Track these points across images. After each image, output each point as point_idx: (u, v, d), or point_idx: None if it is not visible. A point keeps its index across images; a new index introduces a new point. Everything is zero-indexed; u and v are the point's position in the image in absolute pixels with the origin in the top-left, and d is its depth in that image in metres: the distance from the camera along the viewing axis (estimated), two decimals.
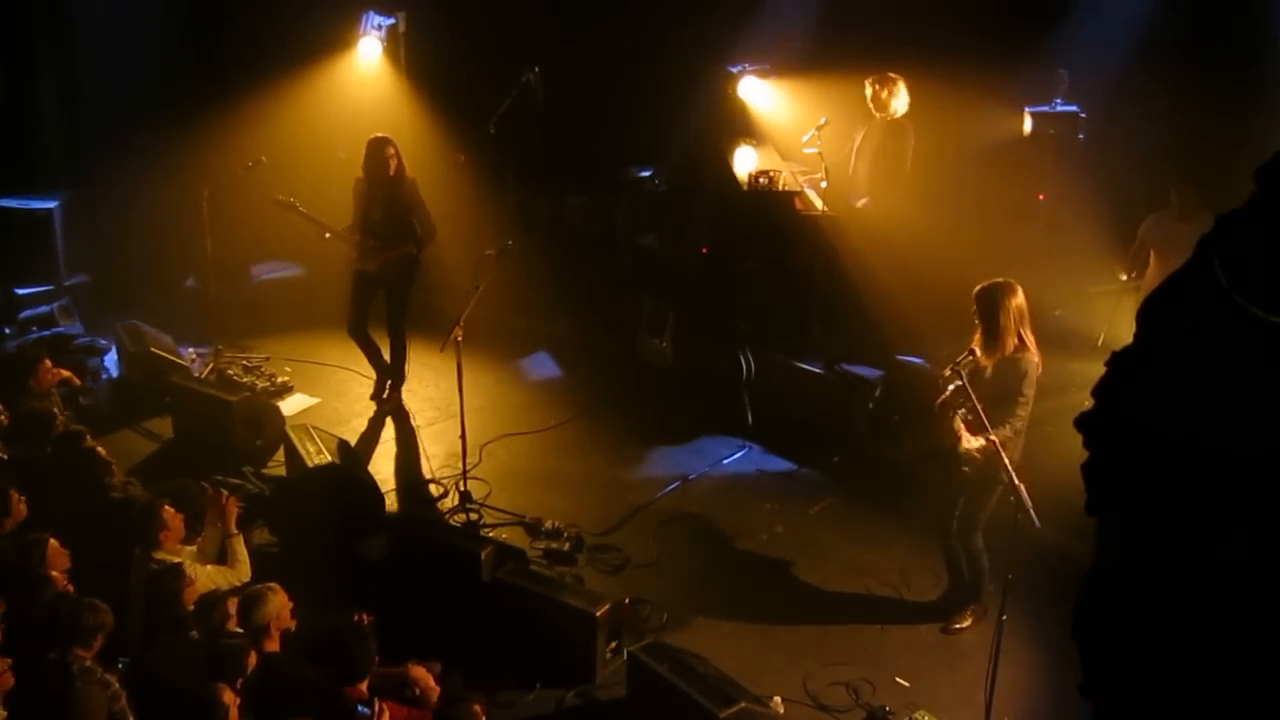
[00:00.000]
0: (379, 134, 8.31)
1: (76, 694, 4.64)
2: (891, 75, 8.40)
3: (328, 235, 8.36)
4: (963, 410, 5.74)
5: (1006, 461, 5.29)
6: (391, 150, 8.19)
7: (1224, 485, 2.27)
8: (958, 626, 6.30)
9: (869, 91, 8.45)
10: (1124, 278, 8.24)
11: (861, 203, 8.67)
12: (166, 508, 5.92)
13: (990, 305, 5.68)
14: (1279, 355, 2.19)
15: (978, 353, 5.66)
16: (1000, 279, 5.75)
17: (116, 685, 4.77)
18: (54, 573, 5.46)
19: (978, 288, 5.75)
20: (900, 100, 8.40)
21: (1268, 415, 2.22)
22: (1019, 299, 5.70)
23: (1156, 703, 2.40)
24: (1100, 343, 8.15)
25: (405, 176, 8.30)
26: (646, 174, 10.61)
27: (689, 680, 5.34)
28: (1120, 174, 8.81)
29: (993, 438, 5.43)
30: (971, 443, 5.68)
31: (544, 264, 9.94)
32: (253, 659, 5.05)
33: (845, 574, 6.95)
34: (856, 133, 8.76)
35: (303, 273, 10.69)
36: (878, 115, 8.52)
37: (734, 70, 9.58)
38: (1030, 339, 5.76)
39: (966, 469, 5.87)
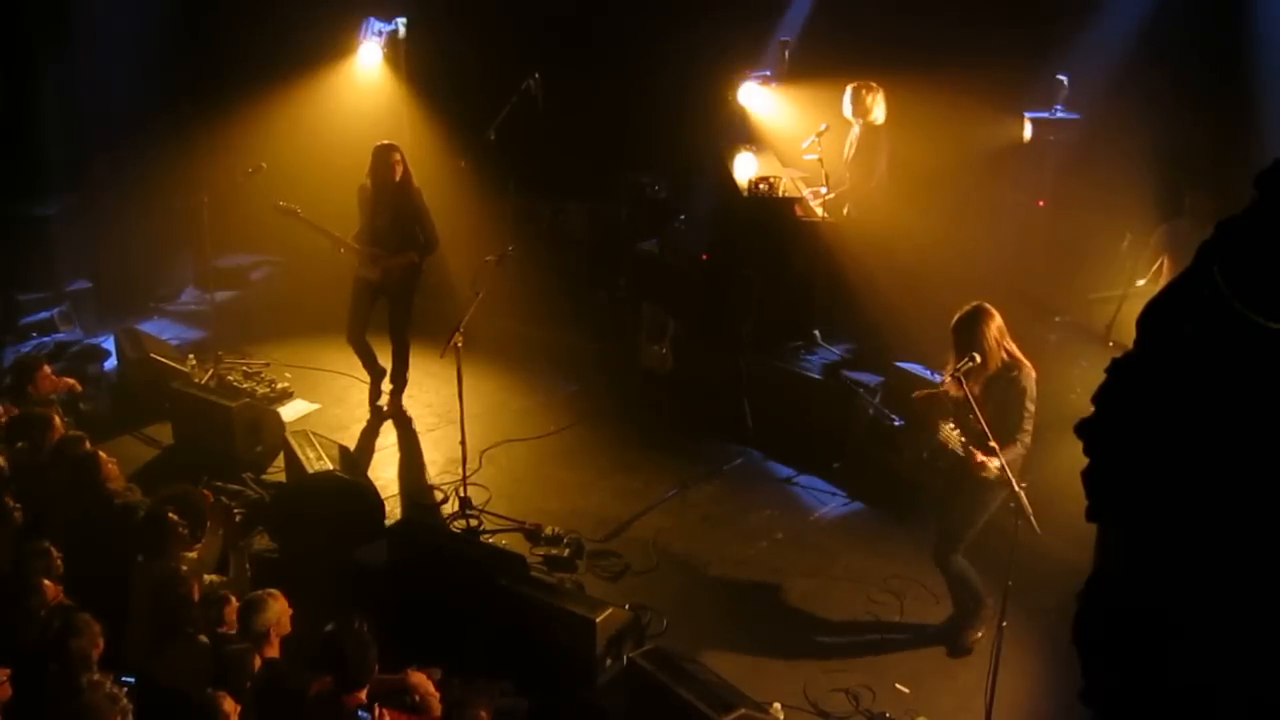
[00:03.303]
0: (385, 141, 8.30)
1: (85, 707, 4.62)
2: (873, 84, 8.51)
3: (342, 249, 8.36)
4: (952, 426, 5.74)
5: (1011, 476, 5.30)
6: (398, 157, 8.19)
7: (1225, 491, 2.27)
8: (966, 643, 6.24)
9: (849, 94, 8.55)
10: (1139, 281, 8.23)
11: (846, 210, 8.74)
12: (171, 515, 5.90)
13: (970, 333, 5.64)
14: (1277, 362, 2.19)
15: (978, 359, 5.63)
16: (972, 305, 5.71)
17: (125, 700, 4.75)
18: (46, 581, 5.43)
19: (955, 319, 5.69)
20: (880, 109, 8.51)
21: (1268, 421, 2.22)
22: (996, 320, 5.67)
23: (1158, 710, 2.40)
24: (1111, 344, 8.12)
25: (411, 184, 8.30)
26: (647, 180, 10.61)
27: (689, 686, 5.33)
28: (1121, 180, 8.81)
29: (1000, 462, 5.41)
30: (991, 465, 5.58)
31: (544, 270, 9.95)
32: (256, 664, 5.05)
33: (845, 580, 6.94)
34: (847, 140, 8.87)
35: (282, 264, 10.67)
36: (856, 120, 8.63)
37: (734, 76, 9.61)
38: (1018, 353, 5.76)
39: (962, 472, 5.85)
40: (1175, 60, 8.74)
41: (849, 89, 8.63)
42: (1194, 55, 8.71)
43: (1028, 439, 5.74)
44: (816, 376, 8.57)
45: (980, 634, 6.24)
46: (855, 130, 8.78)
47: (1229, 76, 8.62)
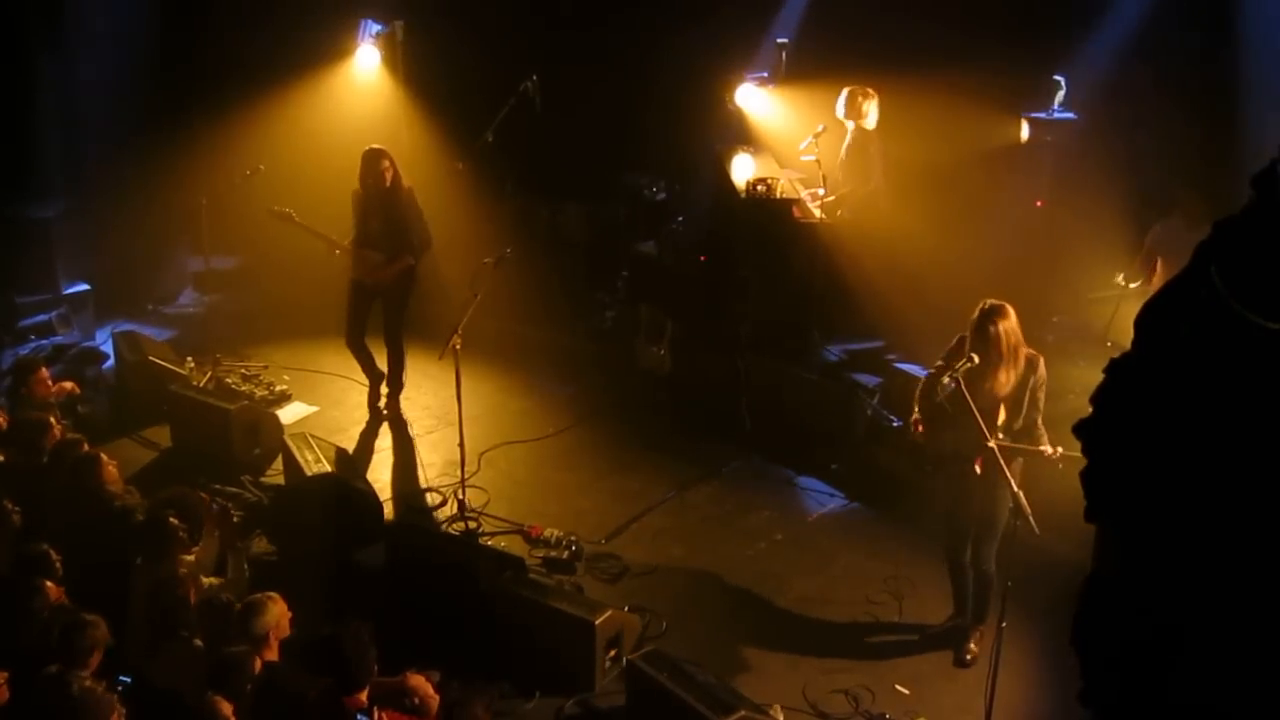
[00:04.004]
0: (374, 145, 8.30)
1: (77, 711, 4.61)
2: (869, 89, 8.57)
3: (338, 252, 8.36)
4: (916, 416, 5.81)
5: (1010, 477, 5.30)
6: (387, 162, 8.19)
7: (1223, 491, 2.27)
8: (969, 657, 6.23)
9: (844, 96, 8.58)
10: (1131, 284, 8.23)
11: (841, 212, 8.75)
12: (172, 520, 5.89)
13: (985, 331, 5.62)
14: (1276, 361, 2.19)
15: (975, 360, 5.62)
16: (987, 303, 5.68)
17: (118, 704, 4.75)
18: (48, 583, 5.43)
19: (973, 317, 5.66)
20: (873, 114, 8.57)
21: (1265, 422, 2.22)
22: (1012, 317, 5.67)
23: (1156, 711, 2.40)
24: (1109, 344, 8.13)
25: (401, 187, 8.30)
26: (644, 181, 10.62)
27: (688, 688, 5.32)
28: (1118, 180, 8.82)
29: (1047, 449, 5.59)
30: (1053, 452, 5.65)
31: (542, 272, 9.94)
32: (256, 667, 5.05)
33: (844, 581, 6.94)
34: (843, 144, 8.89)
35: (280, 266, 10.66)
36: (848, 122, 8.65)
37: (732, 78, 9.62)
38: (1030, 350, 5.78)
39: (975, 469, 5.84)
40: (1168, 63, 8.77)
41: (844, 91, 8.65)
42: (1186, 58, 8.73)
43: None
44: (815, 377, 8.57)
45: (978, 647, 6.23)
46: (849, 132, 8.79)
47: (1220, 79, 8.64)
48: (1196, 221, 7.82)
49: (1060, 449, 5.62)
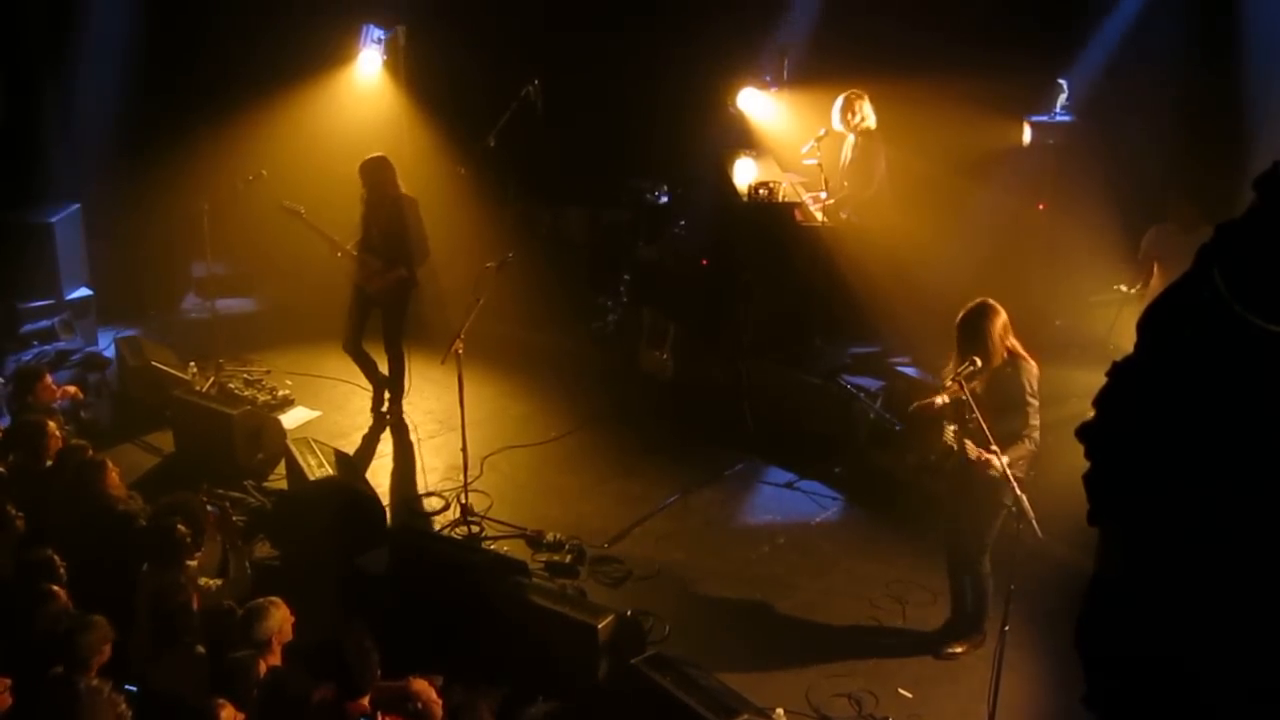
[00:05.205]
0: (376, 154, 8.30)
1: (83, 712, 4.61)
2: (857, 91, 8.59)
3: (339, 254, 8.36)
4: (954, 428, 5.69)
5: (1012, 478, 5.27)
6: (388, 170, 8.19)
7: (1226, 494, 2.27)
8: (950, 651, 6.22)
9: (839, 106, 8.60)
10: (1126, 289, 8.24)
11: (845, 215, 8.77)
12: (180, 527, 5.88)
13: (974, 330, 5.58)
14: (1277, 364, 2.19)
15: (978, 363, 5.60)
16: (977, 302, 5.64)
17: (124, 706, 4.75)
18: (55, 587, 5.44)
19: (960, 317, 5.62)
20: (871, 115, 8.59)
21: (1268, 425, 2.22)
22: (1002, 317, 5.60)
23: (1159, 714, 2.40)
24: (1112, 347, 8.13)
25: (402, 196, 8.30)
26: (647, 185, 10.63)
27: (691, 692, 5.32)
28: (1119, 184, 8.83)
29: (1002, 462, 5.34)
30: (995, 464, 5.44)
31: (544, 276, 9.95)
32: (261, 671, 5.05)
33: (847, 585, 6.93)
34: (843, 149, 8.91)
35: (283, 271, 10.69)
36: (849, 130, 8.68)
37: (734, 82, 9.64)
38: (1020, 349, 5.68)
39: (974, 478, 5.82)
40: (1174, 63, 8.78)
41: (837, 102, 8.68)
42: (1187, 62, 8.74)
43: (1036, 434, 5.63)
44: (817, 381, 8.57)
45: (963, 649, 6.22)
46: (850, 139, 8.81)
47: (1220, 84, 8.65)
48: (1192, 226, 7.84)
49: (992, 458, 5.40)
